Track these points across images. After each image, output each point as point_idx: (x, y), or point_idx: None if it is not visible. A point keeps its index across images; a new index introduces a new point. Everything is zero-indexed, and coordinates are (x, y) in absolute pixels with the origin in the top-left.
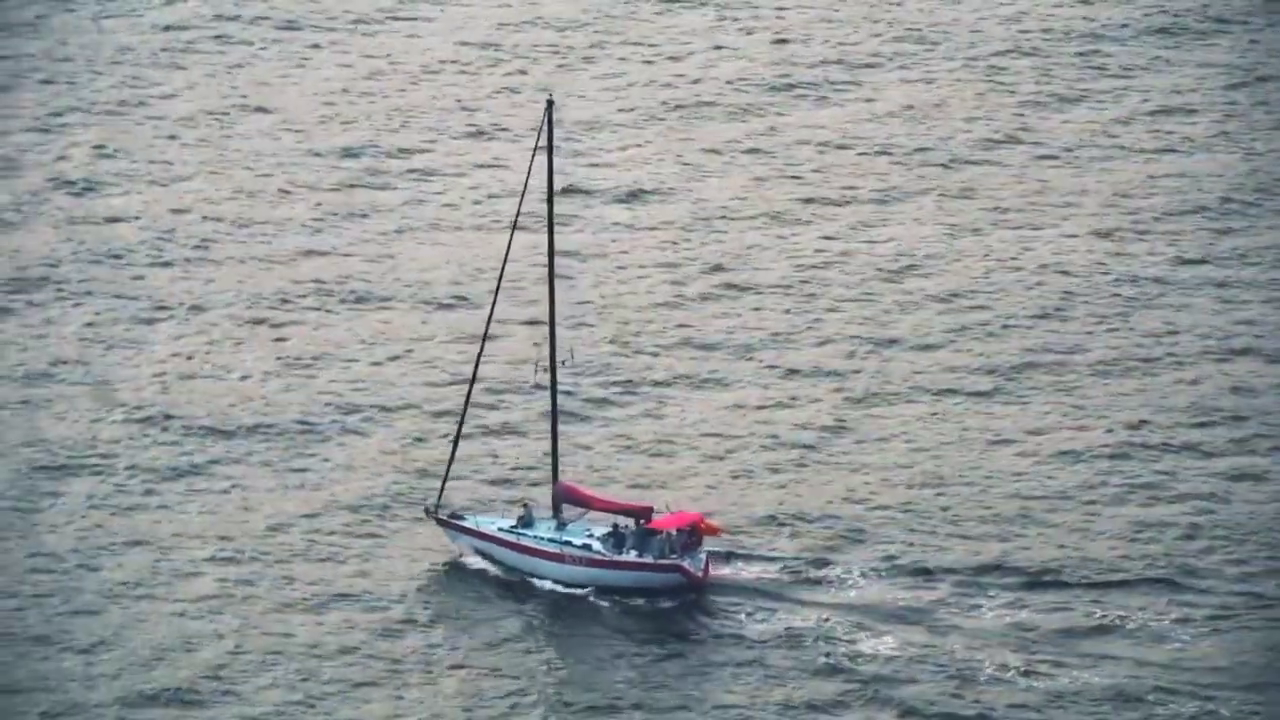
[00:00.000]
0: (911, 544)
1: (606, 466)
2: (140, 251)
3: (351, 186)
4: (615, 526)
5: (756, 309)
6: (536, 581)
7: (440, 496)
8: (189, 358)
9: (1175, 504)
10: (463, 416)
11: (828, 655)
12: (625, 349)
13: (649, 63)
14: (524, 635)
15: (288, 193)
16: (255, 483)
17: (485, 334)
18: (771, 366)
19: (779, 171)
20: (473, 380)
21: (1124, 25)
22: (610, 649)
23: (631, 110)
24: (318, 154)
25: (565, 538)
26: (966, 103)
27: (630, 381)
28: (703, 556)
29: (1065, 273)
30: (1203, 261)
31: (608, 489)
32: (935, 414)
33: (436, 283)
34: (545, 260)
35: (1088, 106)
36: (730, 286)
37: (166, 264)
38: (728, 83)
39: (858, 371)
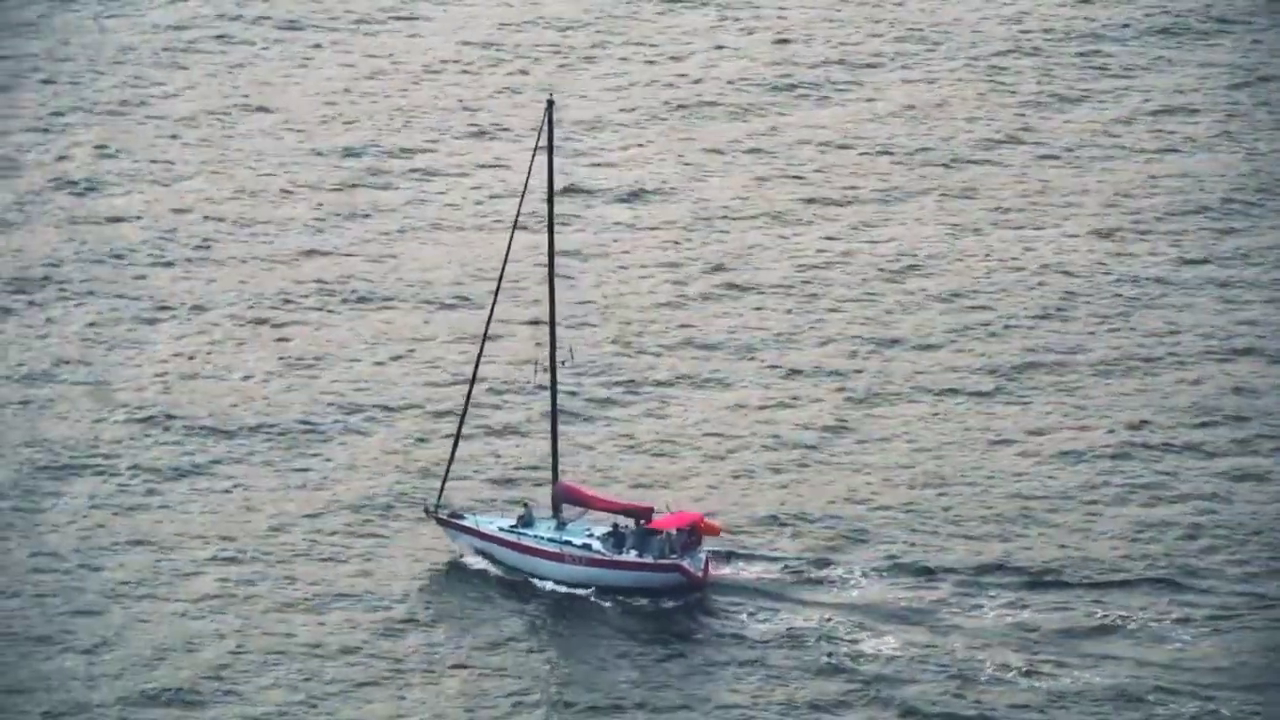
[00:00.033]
0: (913, 544)
1: (608, 466)
2: (142, 251)
3: (353, 186)
4: (615, 526)
5: (758, 309)
6: (537, 581)
7: (440, 496)
8: (191, 357)
9: (1176, 504)
10: (463, 416)
11: (829, 655)
12: (627, 349)
13: (651, 62)
14: (526, 635)
15: (289, 192)
16: (257, 483)
17: (485, 334)
18: (773, 366)
19: (780, 171)
20: (473, 380)
21: (1125, 25)
22: (613, 649)
23: (633, 110)
24: (319, 154)
25: (565, 537)
26: (968, 103)
27: (632, 381)
28: (703, 556)
29: (1067, 273)
30: (1204, 261)
31: (609, 489)
32: (937, 414)
33: (438, 283)
34: (546, 260)
35: (1089, 106)
36: (732, 286)
37: (168, 264)
38: (729, 82)
39: (859, 371)
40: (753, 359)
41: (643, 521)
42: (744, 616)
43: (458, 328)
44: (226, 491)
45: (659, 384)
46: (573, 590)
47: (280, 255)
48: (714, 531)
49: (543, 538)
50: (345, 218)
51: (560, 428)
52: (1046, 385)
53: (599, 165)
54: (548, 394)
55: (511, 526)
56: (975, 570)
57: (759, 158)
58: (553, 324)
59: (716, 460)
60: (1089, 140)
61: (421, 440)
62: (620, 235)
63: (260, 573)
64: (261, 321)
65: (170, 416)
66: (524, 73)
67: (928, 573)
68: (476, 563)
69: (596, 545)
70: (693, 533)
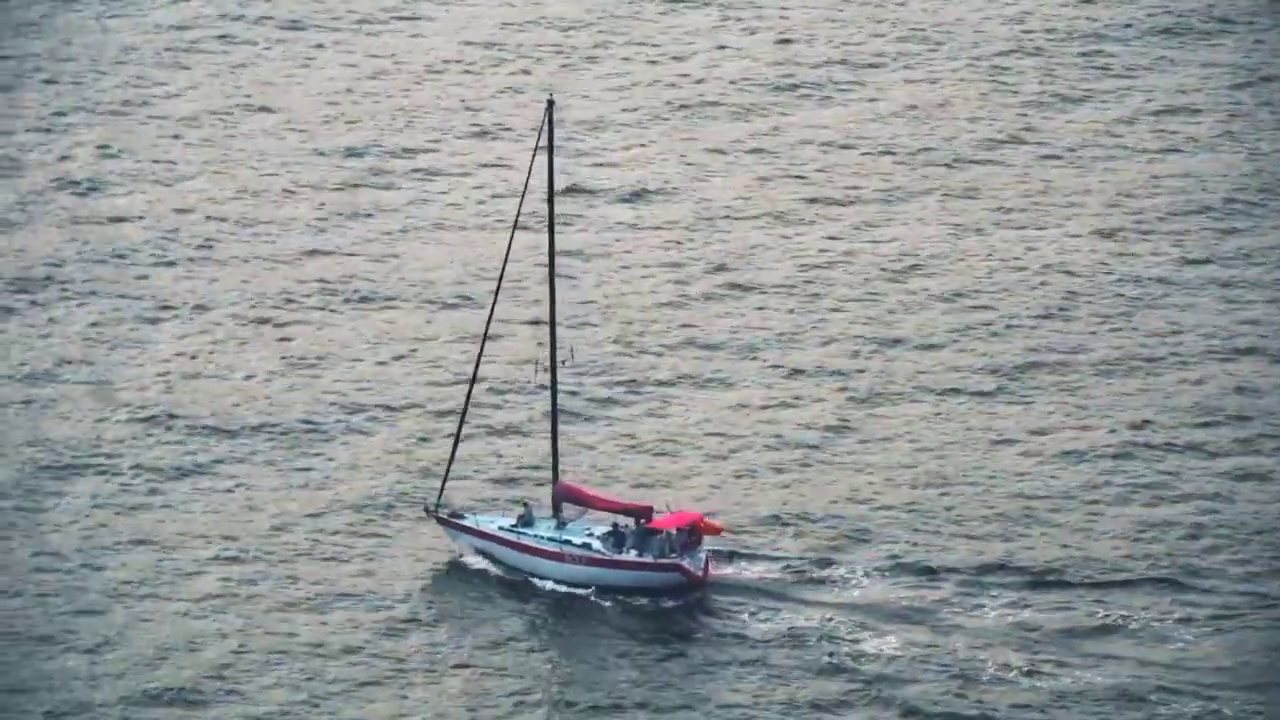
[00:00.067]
0: (915, 544)
1: (610, 466)
2: (144, 251)
3: (355, 186)
4: (615, 526)
5: (760, 309)
6: (537, 581)
7: (440, 495)
8: (193, 357)
9: (1179, 504)
10: (463, 416)
11: (831, 655)
12: (629, 349)
13: (653, 62)
14: (528, 635)
15: (292, 192)
16: (259, 482)
17: (485, 334)
18: (775, 366)
19: (782, 171)
20: (473, 380)
21: (1128, 25)
22: (614, 648)
23: (635, 110)
24: (322, 154)
25: (565, 537)
26: (970, 102)
27: (634, 381)
28: (703, 556)
29: (1069, 272)
30: (1206, 261)
31: (611, 489)
32: (939, 414)
33: (440, 282)
34: (547, 260)
35: (1091, 106)
36: (734, 286)
37: (170, 264)
38: (731, 82)
39: (861, 371)
40: (755, 359)
41: (642, 521)
42: (745, 616)
43: (460, 327)
44: (229, 491)
45: (661, 384)
46: (574, 590)
47: (282, 255)
48: (714, 531)
49: (543, 537)
50: (347, 217)
51: (562, 427)
52: (1048, 385)
53: (601, 165)
54: (548, 394)
55: (511, 526)
56: (977, 570)
57: (761, 158)
58: (553, 324)
59: (718, 460)
60: (1091, 140)
61: (424, 440)
62: (622, 235)
63: (262, 572)
64: (264, 321)
65: (172, 416)
66: (526, 72)
67: (929, 572)
68: (477, 562)
69: (596, 545)
70: (693, 532)
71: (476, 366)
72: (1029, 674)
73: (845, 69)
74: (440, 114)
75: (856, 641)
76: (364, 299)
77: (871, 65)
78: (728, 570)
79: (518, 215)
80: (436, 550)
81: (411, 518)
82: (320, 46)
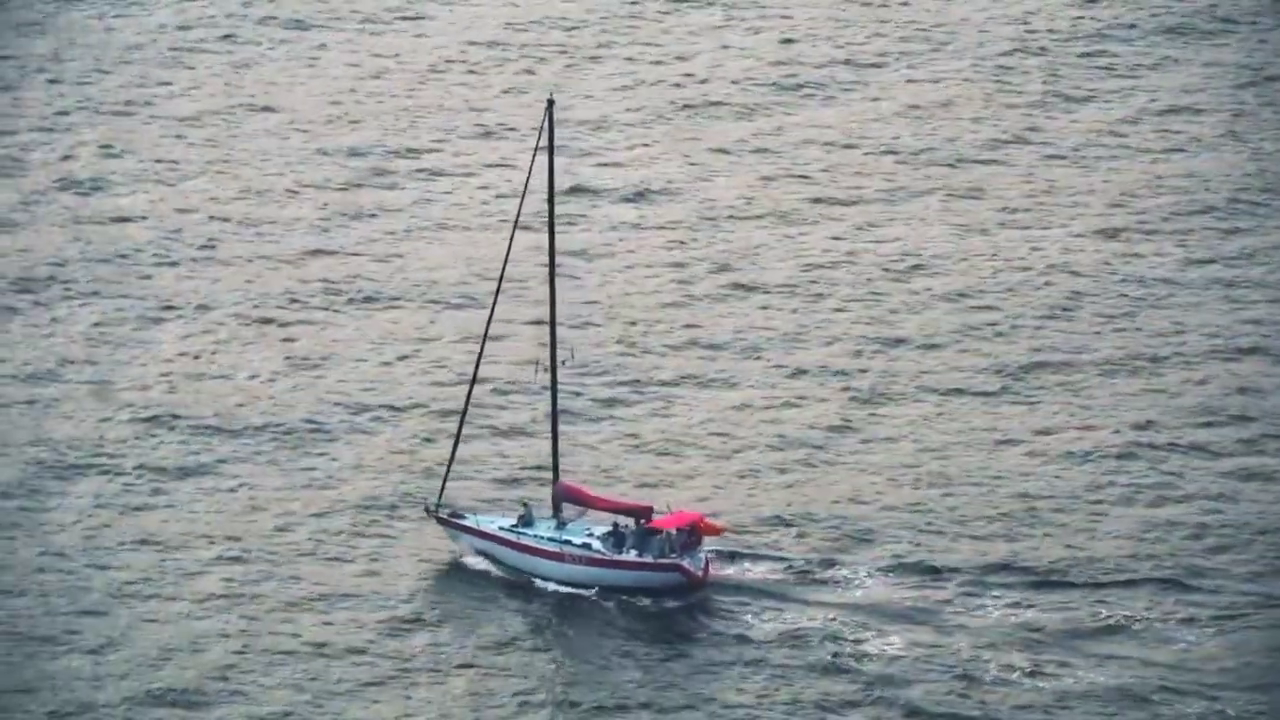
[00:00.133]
0: (918, 544)
1: (613, 466)
2: (147, 251)
3: (359, 186)
4: (615, 526)
5: (763, 308)
6: (539, 581)
7: (441, 495)
8: (196, 357)
9: (1182, 504)
10: (463, 416)
11: (834, 655)
12: (632, 348)
13: (656, 62)
14: (532, 635)
15: (295, 192)
16: (263, 482)
17: (485, 334)
18: (778, 366)
19: (786, 171)
20: (473, 380)
21: (1131, 25)
22: (618, 648)
23: (638, 109)
24: (325, 154)
25: (565, 537)
26: (973, 102)
27: (637, 381)
28: (703, 556)
29: (1072, 273)
30: (1210, 261)
31: (614, 489)
32: (942, 414)
33: (444, 282)
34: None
35: (1095, 106)
36: (737, 286)
37: (173, 263)
38: (734, 82)
39: (864, 371)
40: (758, 359)
41: (643, 521)
42: (749, 616)
43: (463, 328)
44: (232, 491)
45: (664, 384)
46: (577, 590)
47: (286, 255)
48: (715, 531)
49: (543, 537)
50: (351, 217)
51: (566, 428)
52: (1052, 385)
53: (604, 165)
54: (549, 394)
55: (512, 526)
56: (980, 570)
57: (764, 157)
58: (553, 324)
59: (722, 460)
60: (1095, 140)
61: (427, 440)
62: (626, 235)
63: (266, 572)
64: (267, 321)
65: (175, 416)
66: (530, 72)
67: (933, 573)
68: (478, 563)
69: (596, 545)
70: (693, 532)
71: (477, 367)
72: (1032, 674)
73: (848, 69)
74: (444, 114)
75: (859, 642)
76: (367, 299)
77: (875, 65)
78: (728, 570)
79: (518, 215)
80: (440, 550)
81: (415, 518)
82: (323, 46)
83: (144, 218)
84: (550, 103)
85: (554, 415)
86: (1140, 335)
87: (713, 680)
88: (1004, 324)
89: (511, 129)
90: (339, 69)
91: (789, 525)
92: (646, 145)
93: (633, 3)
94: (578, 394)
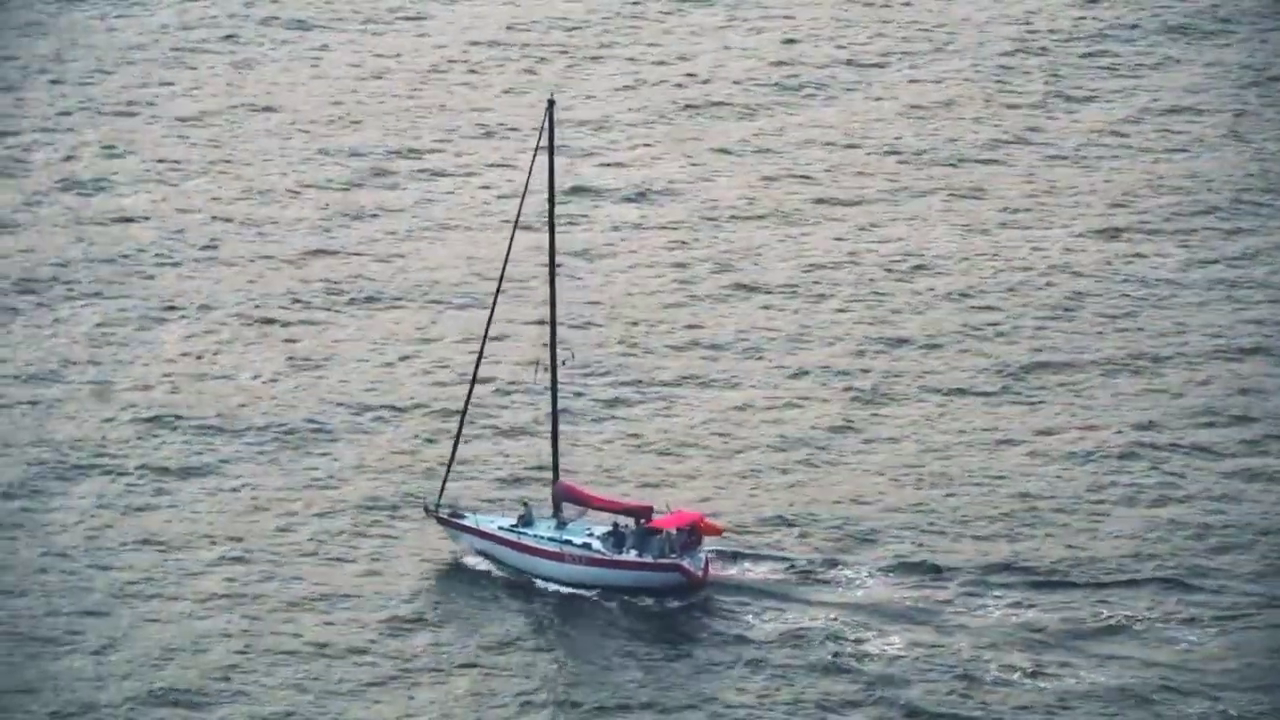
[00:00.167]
0: (919, 544)
1: (615, 466)
2: (149, 251)
3: (360, 186)
4: (615, 526)
5: (765, 309)
6: (539, 581)
7: (440, 495)
8: (198, 357)
9: (1184, 505)
10: (463, 416)
11: (836, 655)
12: (634, 349)
13: (658, 62)
14: (534, 635)
15: (297, 193)
16: (265, 482)
17: (486, 334)
18: (780, 366)
19: (787, 171)
20: (474, 380)
21: (1133, 25)
22: (620, 649)
23: (640, 109)
24: (327, 154)
25: (565, 537)
26: (975, 102)
27: (639, 381)
28: (703, 556)
29: (1074, 273)
30: (1212, 262)
31: (616, 489)
32: (944, 414)
33: (445, 283)
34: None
35: (1097, 106)
36: (739, 286)
37: (176, 264)
38: (736, 82)
39: (866, 371)
40: (759, 359)
41: (642, 521)
42: (750, 616)
43: (465, 328)
44: (234, 491)
45: (666, 384)
46: (577, 590)
47: (287, 255)
48: (715, 532)
49: (543, 537)
50: (352, 218)
51: (567, 428)
52: (1054, 385)
53: (606, 165)
54: (549, 394)
55: (512, 526)
56: (982, 570)
57: (766, 157)
58: (553, 324)
59: (723, 460)
60: (1096, 140)
61: (429, 440)
62: (627, 235)
63: (267, 572)
64: (269, 321)
65: (178, 416)
66: (531, 73)
67: (934, 573)
68: (479, 562)
69: (596, 545)
70: (693, 532)
71: (477, 367)
72: (1033, 674)
73: (850, 69)
74: (445, 114)
75: (861, 642)
76: (369, 299)
77: (876, 65)
78: (730, 571)
79: (519, 216)
80: (441, 550)
81: (416, 518)
82: (325, 47)
83: (146, 218)
84: (551, 103)
85: (554, 415)
86: (1142, 335)
87: (714, 680)
88: (1006, 324)
89: (513, 129)
90: (340, 69)
91: (791, 525)
92: (648, 145)
93: (634, 3)
94: (579, 394)
